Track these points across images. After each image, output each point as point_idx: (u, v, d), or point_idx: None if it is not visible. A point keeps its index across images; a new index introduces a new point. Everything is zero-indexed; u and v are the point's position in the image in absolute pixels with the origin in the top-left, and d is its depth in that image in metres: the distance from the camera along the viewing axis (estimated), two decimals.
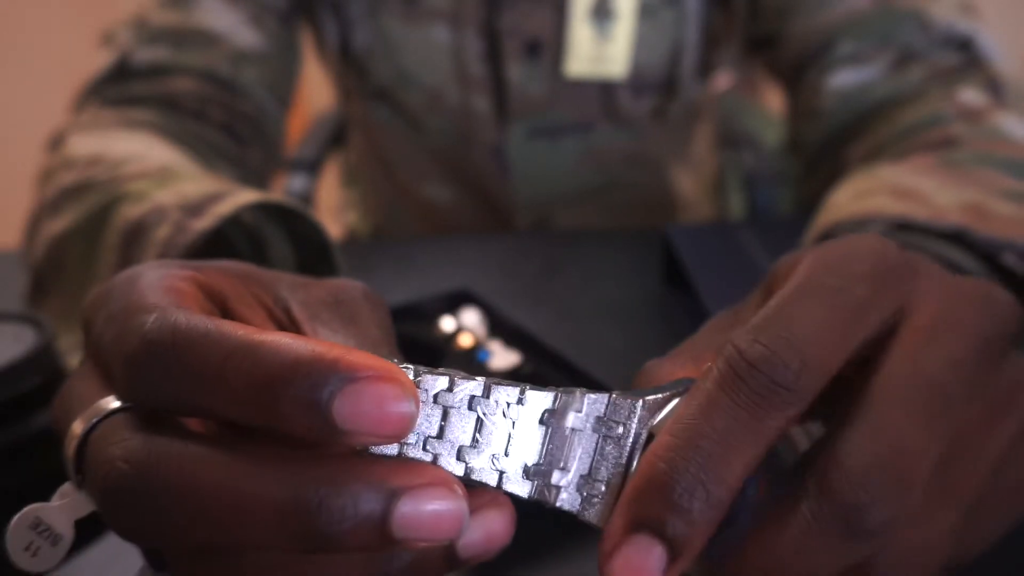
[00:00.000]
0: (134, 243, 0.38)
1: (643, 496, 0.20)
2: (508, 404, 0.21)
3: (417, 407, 0.19)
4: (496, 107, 0.72)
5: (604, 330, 0.52)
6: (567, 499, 0.22)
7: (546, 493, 0.21)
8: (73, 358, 0.40)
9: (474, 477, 0.21)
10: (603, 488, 0.22)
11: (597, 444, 0.22)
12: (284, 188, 0.99)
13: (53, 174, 0.50)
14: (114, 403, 0.21)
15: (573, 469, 0.22)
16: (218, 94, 0.63)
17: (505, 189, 0.75)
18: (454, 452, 0.20)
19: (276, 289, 0.25)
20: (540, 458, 0.21)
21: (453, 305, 0.49)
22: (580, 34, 0.68)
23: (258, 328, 0.19)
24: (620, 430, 0.22)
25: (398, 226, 0.85)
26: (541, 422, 0.21)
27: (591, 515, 0.22)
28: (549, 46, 0.69)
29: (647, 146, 0.75)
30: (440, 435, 0.20)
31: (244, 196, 0.38)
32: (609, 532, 0.20)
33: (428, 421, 0.20)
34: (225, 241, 0.42)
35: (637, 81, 0.71)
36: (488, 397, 0.21)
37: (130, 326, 0.20)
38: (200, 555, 0.20)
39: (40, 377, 0.36)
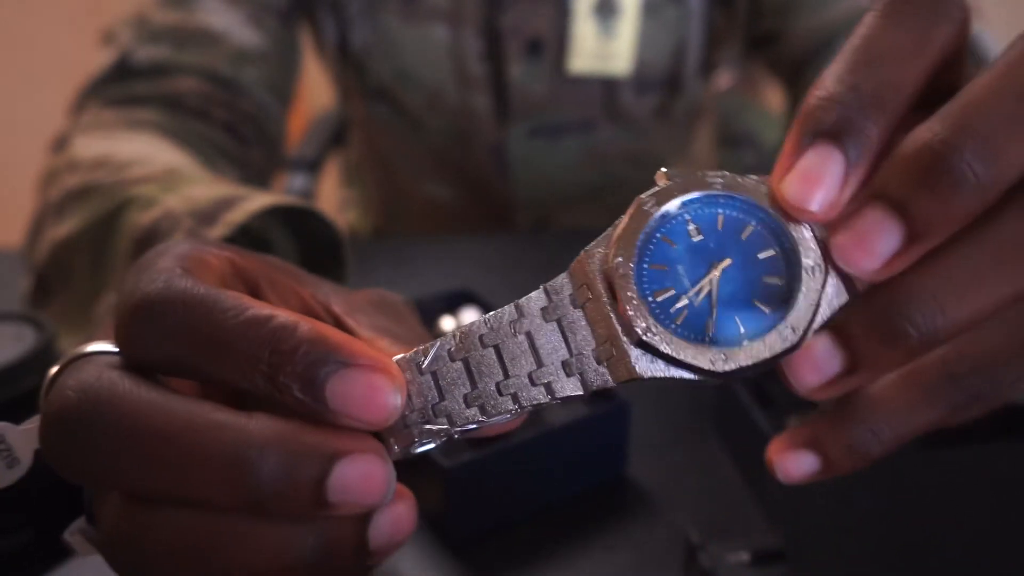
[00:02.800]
0: (146, 250, 0.38)
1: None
2: (511, 323, 0.21)
3: (403, 401, 0.20)
4: (496, 106, 0.72)
5: None
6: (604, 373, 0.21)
7: (594, 378, 0.21)
8: None
9: (526, 404, 0.21)
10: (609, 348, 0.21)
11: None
12: (284, 187, 0.99)
13: (57, 176, 0.50)
14: (94, 346, 0.21)
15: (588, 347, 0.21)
16: (219, 93, 0.63)
17: (505, 189, 0.75)
18: (497, 390, 0.21)
19: (318, 286, 0.26)
20: (571, 350, 0.21)
21: (453, 305, 0.49)
22: (583, 31, 0.68)
23: (270, 305, 0.20)
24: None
25: (398, 226, 0.85)
26: (547, 320, 0.21)
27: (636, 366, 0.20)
28: (550, 45, 0.69)
29: (648, 146, 0.75)
30: (475, 384, 0.21)
31: (255, 201, 0.37)
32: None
33: (460, 379, 0.21)
34: (227, 241, 0.42)
35: (640, 79, 0.71)
36: (493, 328, 0.21)
37: (136, 283, 0.21)
38: (129, 506, 0.20)
39: (40, 377, 0.36)
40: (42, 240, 0.47)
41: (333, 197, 0.99)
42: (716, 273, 0.20)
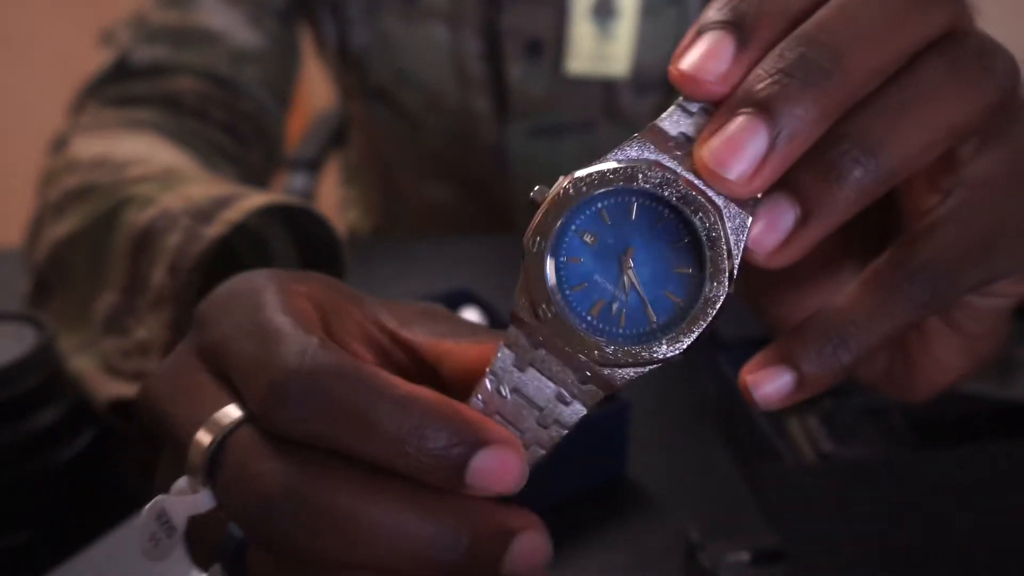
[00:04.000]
0: (144, 249, 0.38)
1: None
2: (497, 390, 0.22)
3: (527, 473, 0.21)
4: (496, 107, 0.72)
5: None
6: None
7: (588, 396, 0.22)
8: (74, 359, 0.40)
9: (550, 444, 0.22)
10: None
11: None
12: (284, 187, 0.99)
13: (56, 176, 0.50)
14: (237, 412, 0.21)
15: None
16: (218, 93, 0.63)
17: (505, 189, 0.75)
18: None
19: (367, 303, 0.26)
20: (556, 383, 0.22)
21: (453, 305, 0.49)
22: (581, 32, 0.68)
23: (400, 379, 0.20)
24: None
25: (398, 226, 0.85)
26: (523, 369, 0.22)
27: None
28: (550, 45, 0.69)
29: None
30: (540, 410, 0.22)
31: (252, 200, 0.37)
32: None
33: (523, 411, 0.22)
34: (222, 240, 0.42)
35: (640, 80, 0.71)
36: (486, 402, 0.22)
37: (278, 352, 0.20)
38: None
39: (40, 377, 0.36)
40: (41, 240, 0.47)
41: (333, 197, 0.99)
42: (629, 264, 0.21)
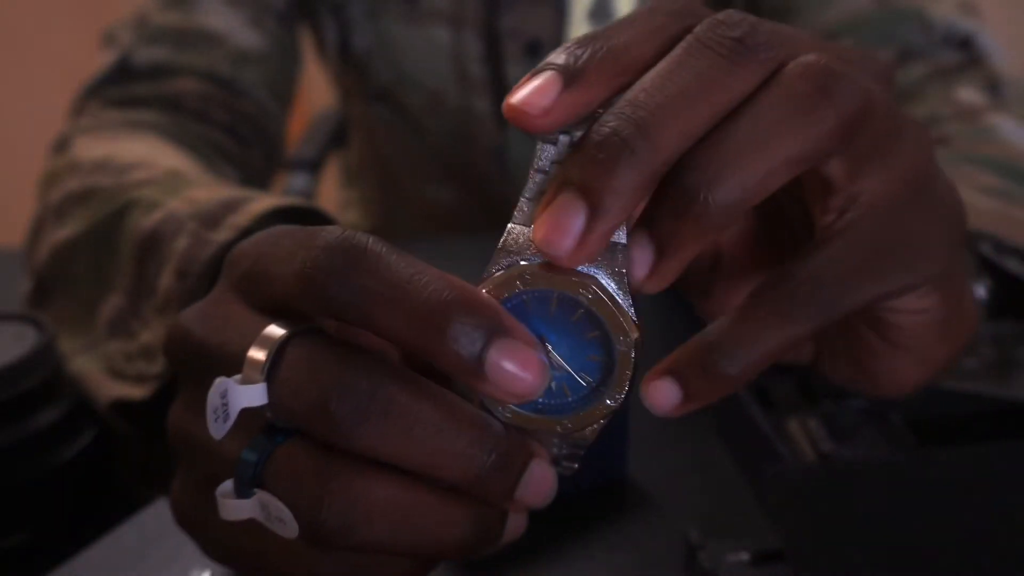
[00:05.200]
0: (150, 253, 0.38)
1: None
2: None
3: (544, 385, 0.22)
4: (496, 108, 0.72)
5: None
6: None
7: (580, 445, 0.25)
8: (76, 361, 0.40)
9: (588, 487, 0.25)
10: None
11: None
12: (284, 187, 0.99)
13: (57, 178, 0.50)
14: (282, 330, 0.23)
15: None
16: (219, 94, 0.63)
17: (505, 190, 0.75)
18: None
19: None
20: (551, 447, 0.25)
21: None
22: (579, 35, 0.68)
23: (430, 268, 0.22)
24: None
25: (398, 226, 0.85)
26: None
27: None
28: (549, 47, 0.69)
29: None
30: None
31: (259, 204, 0.38)
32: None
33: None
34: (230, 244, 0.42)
35: None
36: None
37: (310, 241, 0.22)
38: (349, 468, 0.22)
39: (40, 377, 0.36)
40: (42, 242, 0.47)
41: (333, 197, 0.99)
42: (548, 348, 0.24)
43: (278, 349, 0.22)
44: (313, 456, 0.22)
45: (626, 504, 0.40)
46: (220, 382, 0.22)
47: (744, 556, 0.33)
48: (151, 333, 0.37)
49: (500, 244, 0.23)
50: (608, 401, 0.23)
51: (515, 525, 0.24)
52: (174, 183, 0.43)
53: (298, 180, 0.99)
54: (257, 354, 0.22)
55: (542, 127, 0.22)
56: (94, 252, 0.42)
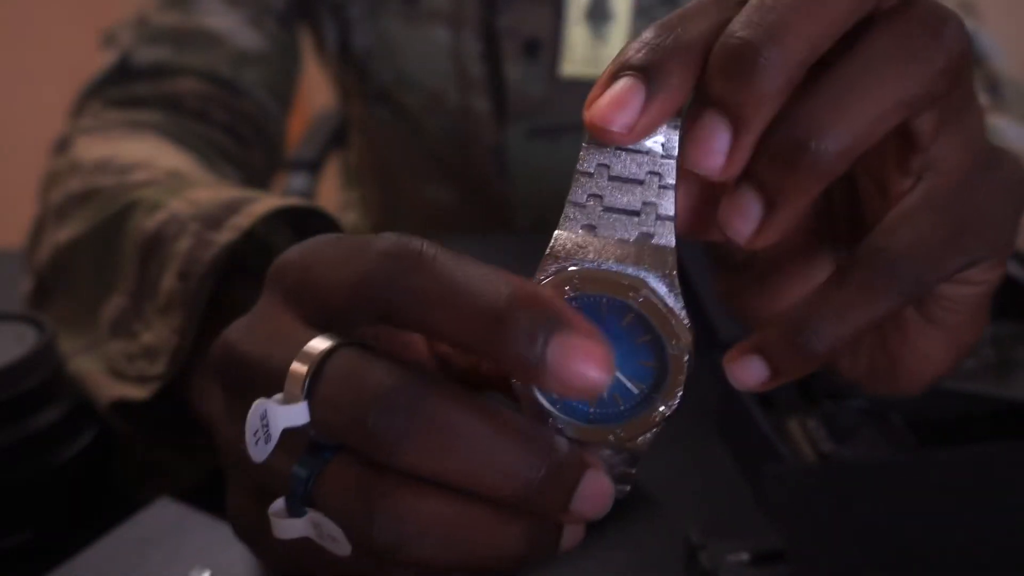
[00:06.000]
0: (153, 254, 0.38)
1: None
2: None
3: (612, 374, 0.21)
4: (495, 107, 0.72)
5: None
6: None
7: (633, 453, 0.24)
8: (77, 361, 0.40)
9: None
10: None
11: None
12: (284, 188, 0.99)
13: (59, 179, 0.50)
14: (328, 341, 0.22)
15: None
16: (219, 94, 0.63)
17: (505, 189, 0.75)
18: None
19: None
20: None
21: None
22: (576, 36, 0.68)
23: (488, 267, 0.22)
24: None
25: (398, 226, 0.84)
26: None
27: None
28: (548, 46, 0.69)
29: None
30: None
31: (261, 205, 0.38)
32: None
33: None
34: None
35: None
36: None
37: (364, 249, 0.22)
38: (400, 483, 0.22)
39: (40, 377, 0.36)
40: (43, 243, 0.47)
41: (333, 198, 0.99)
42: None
43: (318, 364, 0.22)
44: (361, 472, 0.22)
45: (626, 504, 0.40)
46: (259, 404, 0.22)
47: (744, 556, 0.33)
48: (153, 334, 0.37)
49: (548, 250, 0.23)
50: (661, 408, 0.23)
51: (572, 535, 0.23)
52: (175, 184, 0.43)
53: (298, 180, 0.99)
54: (299, 369, 0.22)
55: (626, 143, 0.22)
56: (95, 253, 0.42)
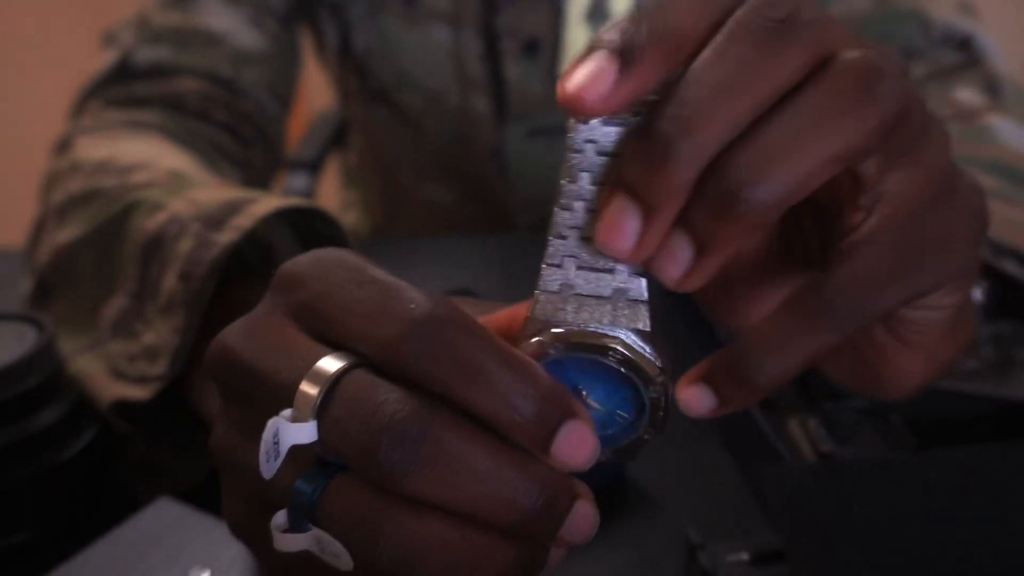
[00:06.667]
0: (154, 254, 0.38)
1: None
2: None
3: (592, 462, 0.23)
4: (495, 107, 0.72)
5: None
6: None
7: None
8: (78, 361, 0.40)
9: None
10: None
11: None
12: (284, 188, 0.99)
13: (59, 179, 0.50)
14: (339, 361, 0.22)
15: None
16: (220, 94, 0.63)
17: (505, 189, 0.75)
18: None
19: None
20: None
21: None
22: (576, 37, 0.68)
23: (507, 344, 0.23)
24: None
25: (398, 226, 0.85)
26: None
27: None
28: (547, 45, 0.69)
29: None
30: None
31: (262, 205, 0.38)
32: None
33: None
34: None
35: None
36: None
37: (405, 298, 0.22)
38: (393, 505, 0.22)
39: (40, 377, 0.36)
40: (44, 243, 0.47)
41: (333, 198, 0.99)
42: (584, 394, 0.25)
43: (330, 387, 0.22)
44: (366, 493, 0.22)
45: (626, 504, 0.40)
46: (273, 423, 0.22)
47: (744, 556, 0.33)
48: (154, 334, 0.37)
49: (530, 313, 0.24)
50: (645, 436, 0.25)
51: (556, 555, 0.24)
52: (176, 184, 0.43)
53: (298, 180, 0.99)
54: (309, 390, 0.22)
55: (598, 114, 0.22)
56: (96, 253, 0.42)
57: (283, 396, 0.22)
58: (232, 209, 0.38)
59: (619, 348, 0.23)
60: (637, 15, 0.23)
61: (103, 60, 0.64)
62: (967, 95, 0.56)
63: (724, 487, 0.41)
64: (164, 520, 0.34)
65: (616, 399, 0.24)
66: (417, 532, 0.22)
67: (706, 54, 0.22)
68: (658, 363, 0.24)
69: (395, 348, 0.22)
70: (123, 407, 0.37)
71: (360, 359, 0.22)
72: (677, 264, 0.22)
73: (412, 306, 0.22)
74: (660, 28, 0.22)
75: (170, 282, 0.37)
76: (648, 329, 0.24)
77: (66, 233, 0.45)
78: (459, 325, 0.22)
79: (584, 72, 0.22)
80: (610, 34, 0.22)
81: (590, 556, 0.37)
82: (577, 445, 0.22)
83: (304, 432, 0.22)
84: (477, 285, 0.53)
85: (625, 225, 0.22)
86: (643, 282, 0.24)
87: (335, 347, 0.23)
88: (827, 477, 0.37)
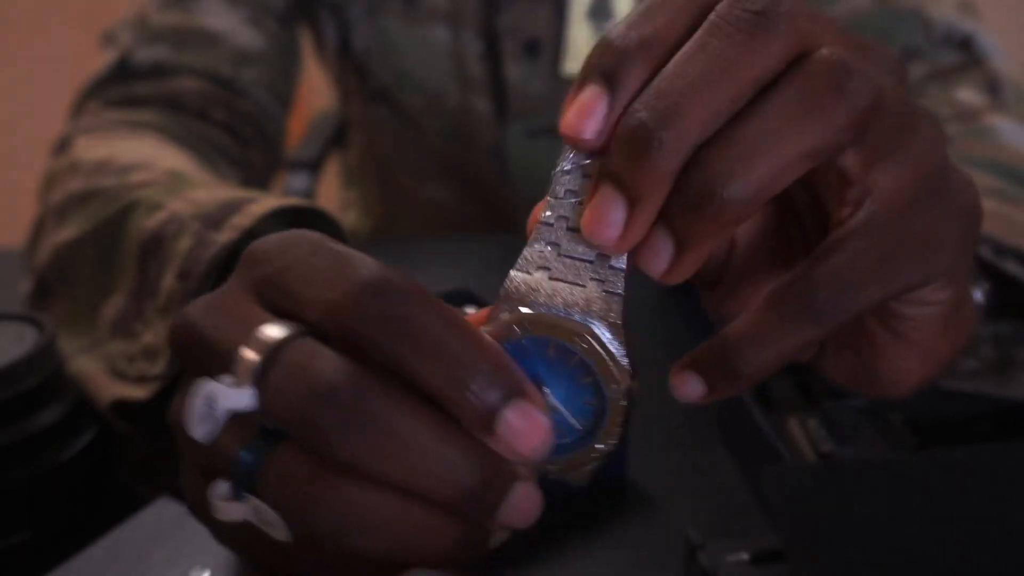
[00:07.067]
0: (153, 254, 0.38)
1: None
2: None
3: (546, 452, 0.22)
4: (495, 107, 0.72)
5: None
6: None
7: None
8: (77, 361, 0.40)
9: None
10: None
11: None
12: (284, 188, 0.99)
13: (59, 179, 0.50)
14: (284, 330, 0.23)
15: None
16: (219, 94, 0.63)
17: (505, 189, 0.75)
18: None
19: None
20: None
21: (453, 305, 0.49)
22: (579, 35, 0.68)
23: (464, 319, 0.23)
24: None
25: (398, 226, 0.85)
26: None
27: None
28: (548, 45, 0.69)
29: None
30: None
31: (261, 205, 0.38)
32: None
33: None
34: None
35: None
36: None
37: (347, 273, 0.22)
38: (327, 473, 0.22)
39: (40, 377, 0.36)
40: (43, 243, 0.47)
41: (333, 198, 0.99)
42: (546, 391, 0.24)
43: (271, 353, 0.22)
44: (305, 462, 0.22)
45: (626, 504, 0.40)
46: (203, 384, 0.22)
47: (744, 556, 0.33)
48: (153, 334, 0.37)
49: (502, 292, 0.24)
50: (599, 446, 0.24)
51: (500, 536, 0.24)
52: (175, 183, 0.43)
53: (298, 180, 0.99)
54: (249, 355, 0.22)
55: (599, 147, 0.23)
56: (96, 253, 0.42)
57: (227, 363, 0.23)
58: (231, 208, 0.38)
59: (587, 337, 0.23)
60: (617, 32, 0.23)
61: (102, 60, 0.64)
62: (968, 95, 0.56)
63: (724, 487, 0.41)
64: (164, 520, 0.34)
65: (576, 403, 0.24)
66: (353, 500, 0.21)
67: (686, 48, 0.23)
68: (624, 361, 0.24)
69: (340, 312, 0.22)
70: (123, 407, 0.37)
71: (308, 328, 0.23)
72: (660, 259, 0.23)
73: (363, 271, 0.22)
74: (638, 43, 0.23)
75: (169, 281, 0.37)
76: (620, 322, 0.24)
77: (65, 233, 0.45)
78: (407, 292, 0.22)
79: (576, 108, 0.23)
80: (597, 59, 0.23)
81: (590, 556, 0.37)
82: (524, 429, 0.22)
83: (242, 398, 0.22)
84: (477, 285, 0.53)
85: (611, 215, 0.22)
86: (621, 275, 0.24)
87: (289, 318, 0.23)
88: (827, 477, 0.37)
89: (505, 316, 0.24)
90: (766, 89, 0.22)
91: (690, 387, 0.24)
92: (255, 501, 0.22)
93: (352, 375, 0.21)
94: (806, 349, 0.24)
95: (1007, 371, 0.41)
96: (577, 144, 0.24)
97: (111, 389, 0.37)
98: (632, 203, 0.22)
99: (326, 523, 0.22)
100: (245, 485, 0.23)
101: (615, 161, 0.23)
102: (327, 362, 0.22)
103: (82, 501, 0.38)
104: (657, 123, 0.22)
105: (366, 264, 0.23)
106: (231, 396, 0.22)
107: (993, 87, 0.57)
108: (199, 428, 0.22)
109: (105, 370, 0.39)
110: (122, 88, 0.62)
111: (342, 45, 0.74)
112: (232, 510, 0.23)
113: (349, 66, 0.75)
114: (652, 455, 0.42)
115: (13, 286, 0.50)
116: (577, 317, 0.23)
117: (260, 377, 0.22)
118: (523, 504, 0.22)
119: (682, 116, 0.22)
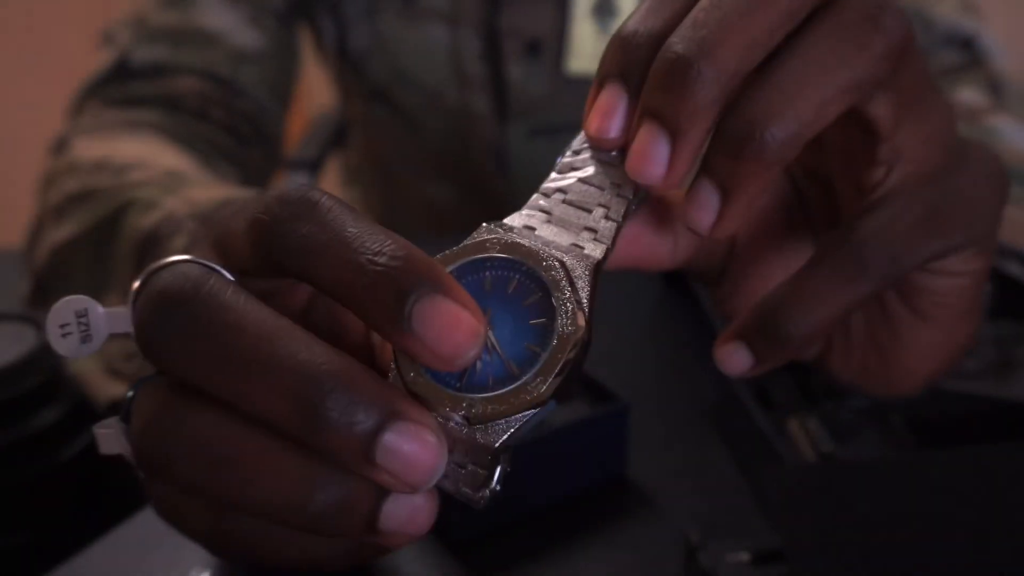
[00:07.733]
0: (149, 253, 0.39)
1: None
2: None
3: (480, 348, 0.20)
4: (495, 107, 0.72)
5: (604, 331, 0.52)
6: None
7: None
8: (76, 362, 0.40)
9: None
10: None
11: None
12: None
13: (57, 179, 0.50)
14: (180, 257, 0.22)
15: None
16: (218, 94, 0.63)
17: (505, 189, 0.75)
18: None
19: None
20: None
21: None
22: (582, 32, 0.68)
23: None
24: None
25: (398, 226, 0.84)
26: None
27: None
28: (549, 45, 0.69)
29: None
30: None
31: None
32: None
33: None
34: None
35: None
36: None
37: (268, 194, 0.22)
38: (177, 398, 0.21)
39: (40, 377, 0.36)
40: (41, 243, 0.47)
41: None
42: (488, 329, 0.22)
43: (151, 275, 0.21)
44: (162, 391, 0.21)
45: (626, 504, 0.40)
46: (75, 298, 0.22)
47: (744, 556, 0.33)
48: None
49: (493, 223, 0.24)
50: (527, 397, 0.21)
51: (407, 509, 0.21)
52: (173, 183, 0.43)
53: (298, 180, 0.99)
54: (135, 281, 0.22)
55: (624, 144, 0.23)
56: (93, 252, 0.43)
57: None
58: (227, 208, 0.38)
59: (559, 266, 0.22)
60: (632, 24, 0.23)
61: (101, 60, 0.64)
62: (969, 95, 0.56)
63: (724, 487, 0.41)
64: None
65: (519, 345, 0.22)
66: (183, 422, 0.20)
67: None
68: (587, 310, 0.22)
69: (256, 227, 0.21)
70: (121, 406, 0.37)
71: (191, 259, 0.22)
72: (706, 211, 0.22)
73: (277, 190, 0.22)
74: (653, 38, 0.23)
75: None
76: (597, 274, 0.23)
77: (63, 232, 0.45)
78: (318, 201, 0.21)
79: (598, 111, 0.23)
80: (612, 56, 0.23)
81: (590, 556, 0.37)
82: (443, 321, 0.19)
83: (117, 319, 0.21)
84: None
85: (654, 150, 0.22)
86: (614, 227, 0.23)
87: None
88: (827, 477, 0.37)
89: (485, 235, 0.24)
90: (800, 28, 0.22)
91: (737, 359, 0.24)
92: (121, 426, 0.22)
93: (207, 285, 0.21)
94: (851, 312, 0.24)
95: (1007, 371, 0.41)
96: (603, 144, 0.24)
97: (109, 388, 0.37)
98: (675, 136, 0.22)
99: (154, 444, 0.21)
100: (123, 418, 0.23)
101: (654, 96, 0.22)
102: (197, 279, 0.21)
103: (82, 501, 0.38)
104: (695, 54, 0.21)
105: (285, 187, 0.22)
106: (106, 317, 0.21)
107: (994, 88, 0.57)
108: (63, 344, 0.22)
109: (103, 369, 0.39)
110: (121, 88, 0.62)
111: (340, 44, 0.74)
112: (105, 441, 0.23)
113: (348, 65, 0.75)
114: (652, 455, 0.42)
115: (13, 286, 0.50)
116: (553, 250, 0.23)
117: (135, 299, 0.21)
118: (402, 515, 0.20)
119: (719, 46, 0.21)
